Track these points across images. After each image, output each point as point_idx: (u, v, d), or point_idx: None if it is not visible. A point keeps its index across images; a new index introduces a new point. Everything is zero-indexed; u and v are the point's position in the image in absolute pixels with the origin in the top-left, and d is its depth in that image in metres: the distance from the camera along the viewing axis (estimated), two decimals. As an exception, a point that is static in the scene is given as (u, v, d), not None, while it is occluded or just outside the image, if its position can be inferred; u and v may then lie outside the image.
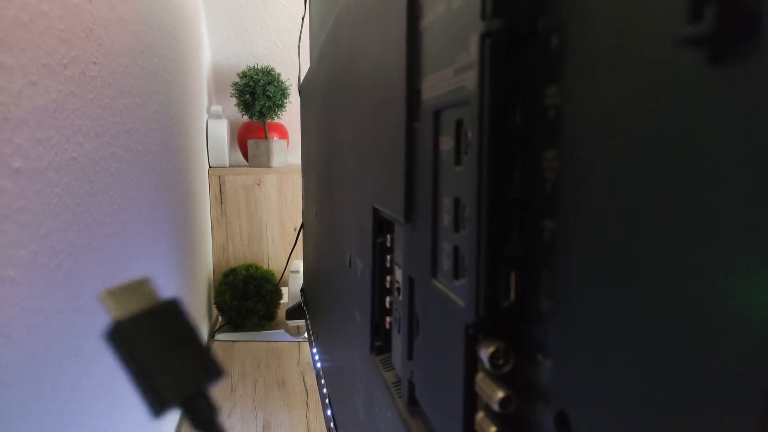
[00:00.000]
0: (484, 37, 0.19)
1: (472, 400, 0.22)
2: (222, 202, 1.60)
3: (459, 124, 0.22)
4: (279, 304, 1.57)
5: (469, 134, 0.21)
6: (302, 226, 1.12)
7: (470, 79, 0.20)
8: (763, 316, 0.10)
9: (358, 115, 0.44)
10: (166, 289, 1.03)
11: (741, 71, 0.11)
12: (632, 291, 0.14)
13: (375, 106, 0.37)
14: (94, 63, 0.55)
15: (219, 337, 1.51)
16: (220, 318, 1.62)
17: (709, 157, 0.11)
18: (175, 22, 1.08)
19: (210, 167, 1.61)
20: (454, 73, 0.22)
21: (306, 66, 1.00)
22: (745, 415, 0.10)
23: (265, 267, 1.60)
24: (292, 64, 1.65)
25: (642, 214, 0.13)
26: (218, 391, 1.20)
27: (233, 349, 1.44)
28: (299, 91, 1.05)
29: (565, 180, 0.17)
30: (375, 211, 0.39)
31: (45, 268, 0.41)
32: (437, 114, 0.25)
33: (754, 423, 0.10)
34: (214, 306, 1.59)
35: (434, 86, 0.25)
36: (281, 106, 1.56)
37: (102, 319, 0.61)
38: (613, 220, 0.15)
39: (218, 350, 1.43)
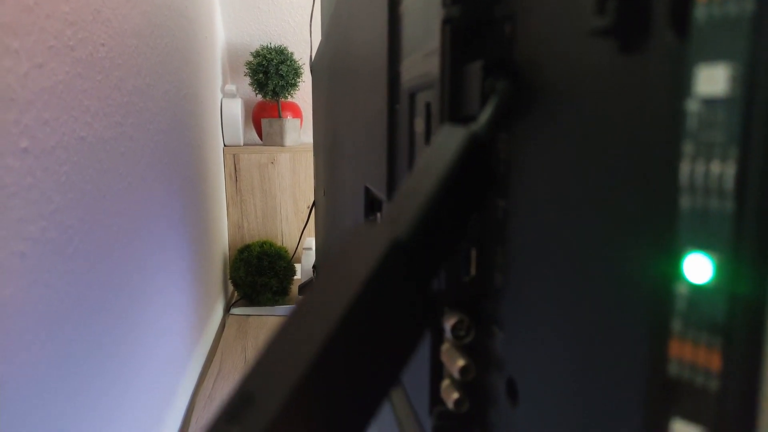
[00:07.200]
0: (445, 23, 0.19)
1: (438, 369, 0.24)
2: (237, 180, 1.62)
3: (428, 107, 0.23)
4: (292, 280, 1.60)
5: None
6: (314, 204, 1.14)
7: (434, 64, 0.21)
8: (647, 296, 0.11)
9: (354, 96, 0.45)
10: (182, 264, 1.06)
11: (641, 59, 0.12)
12: (560, 268, 0.15)
13: (365, 87, 0.38)
14: (102, 45, 0.56)
15: (234, 311, 1.55)
16: (235, 293, 1.66)
17: (616, 147, 0.12)
18: (187, 1, 1.09)
19: (225, 146, 1.63)
20: (423, 57, 0.23)
21: (318, 44, 1.01)
22: (638, 386, 0.11)
23: (279, 244, 1.63)
24: (305, 43, 1.65)
25: (566, 198, 0.14)
26: (231, 364, 1.23)
27: (248, 323, 1.47)
28: (311, 70, 1.05)
29: (514, 163, 0.18)
30: (366, 190, 0.40)
31: (54, 243, 0.43)
32: (412, 96, 0.26)
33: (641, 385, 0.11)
34: (229, 281, 1.63)
35: (410, 69, 0.26)
36: (294, 85, 1.57)
37: (112, 295, 0.63)
38: (546, 202, 0.16)
39: (233, 324, 1.47)
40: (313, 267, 1.25)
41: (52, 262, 0.43)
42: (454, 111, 0.20)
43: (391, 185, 0.30)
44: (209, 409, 1.03)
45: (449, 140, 0.15)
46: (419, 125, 0.25)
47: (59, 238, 0.44)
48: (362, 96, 0.40)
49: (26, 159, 0.39)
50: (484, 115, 0.16)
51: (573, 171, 0.14)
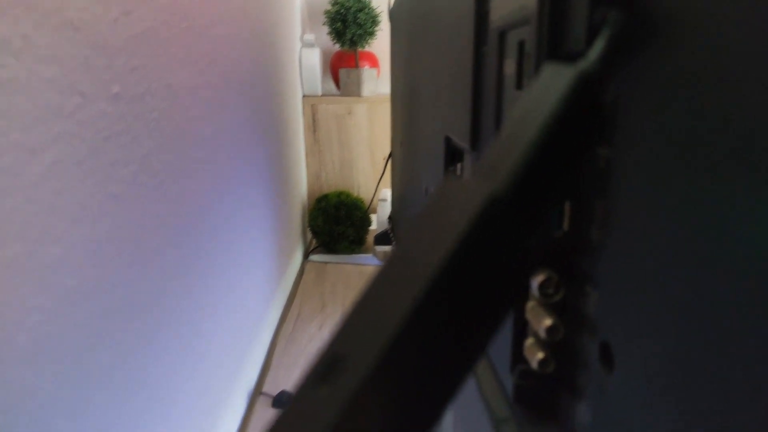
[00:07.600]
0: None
1: (521, 327, 0.23)
2: (315, 131, 1.64)
3: (521, 46, 0.21)
4: (368, 230, 1.62)
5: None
6: (390, 155, 1.13)
7: (531, -4, 0.19)
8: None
9: (436, 41, 0.43)
10: (265, 210, 1.09)
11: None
12: (683, 226, 0.13)
13: (448, 31, 0.36)
14: (186, -9, 0.56)
15: (313, 258, 1.60)
16: (314, 240, 1.70)
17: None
18: (267, -53, 1.08)
19: (304, 96, 1.64)
20: (518, -10, 0.21)
21: (396, -11, 0.97)
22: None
23: (355, 194, 1.64)
24: (384, -12, 1.61)
25: (698, 150, 0.12)
26: (310, 308, 1.28)
27: (325, 269, 1.52)
28: (389, 18, 1.02)
29: (623, 105, 0.16)
30: (447, 140, 0.38)
31: (145, 187, 0.45)
32: (502, 35, 0.24)
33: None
34: (308, 229, 1.68)
35: (501, 5, 0.24)
36: (372, 33, 1.54)
37: (201, 236, 0.65)
38: (667, 153, 0.14)
39: (311, 270, 1.52)
40: (389, 218, 1.26)
41: (144, 204, 0.45)
42: (554, 48, 0.18)
43: (476, 133, 0.28)
44: (288, 350, 1.08)
45: (555, 81, 0.13)
46: (510, 66, 0.23)
47: (150, 181, 0.46)
48: (445, 40, 0.38)
49: (118, 104, 0.40)
50: (595, 51, 0.14)
51: (711, 118, 0.12)
